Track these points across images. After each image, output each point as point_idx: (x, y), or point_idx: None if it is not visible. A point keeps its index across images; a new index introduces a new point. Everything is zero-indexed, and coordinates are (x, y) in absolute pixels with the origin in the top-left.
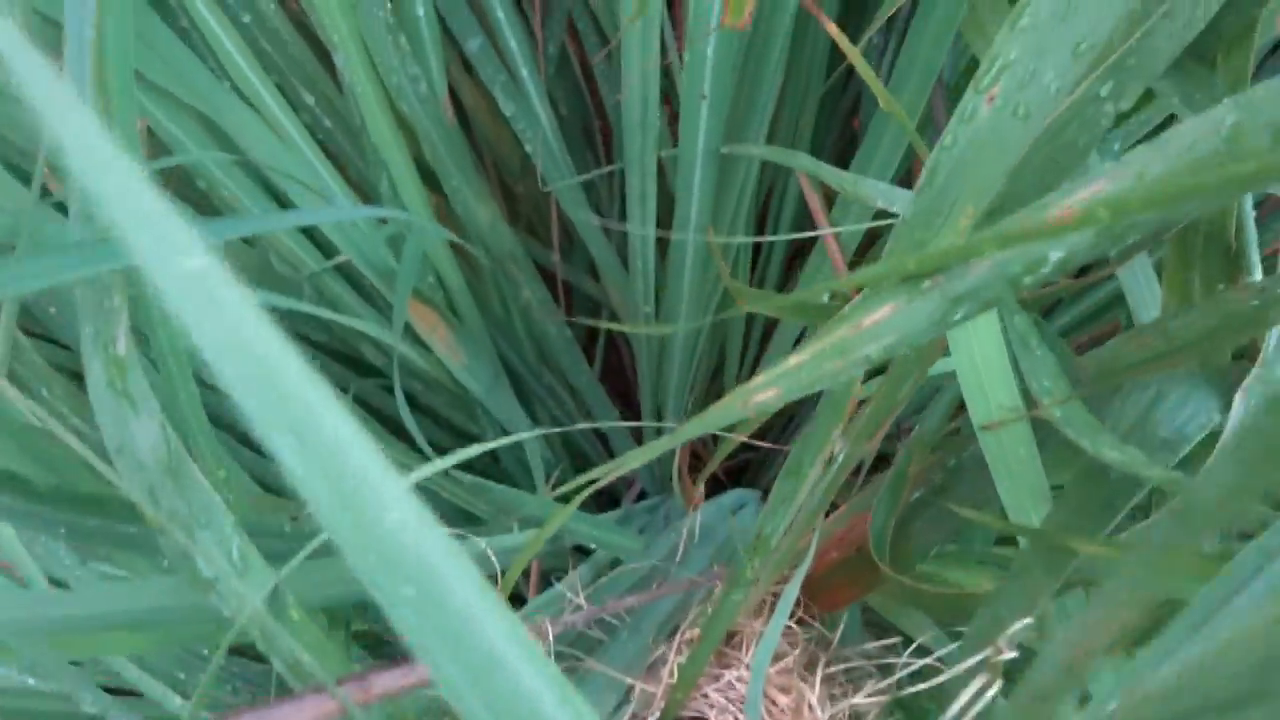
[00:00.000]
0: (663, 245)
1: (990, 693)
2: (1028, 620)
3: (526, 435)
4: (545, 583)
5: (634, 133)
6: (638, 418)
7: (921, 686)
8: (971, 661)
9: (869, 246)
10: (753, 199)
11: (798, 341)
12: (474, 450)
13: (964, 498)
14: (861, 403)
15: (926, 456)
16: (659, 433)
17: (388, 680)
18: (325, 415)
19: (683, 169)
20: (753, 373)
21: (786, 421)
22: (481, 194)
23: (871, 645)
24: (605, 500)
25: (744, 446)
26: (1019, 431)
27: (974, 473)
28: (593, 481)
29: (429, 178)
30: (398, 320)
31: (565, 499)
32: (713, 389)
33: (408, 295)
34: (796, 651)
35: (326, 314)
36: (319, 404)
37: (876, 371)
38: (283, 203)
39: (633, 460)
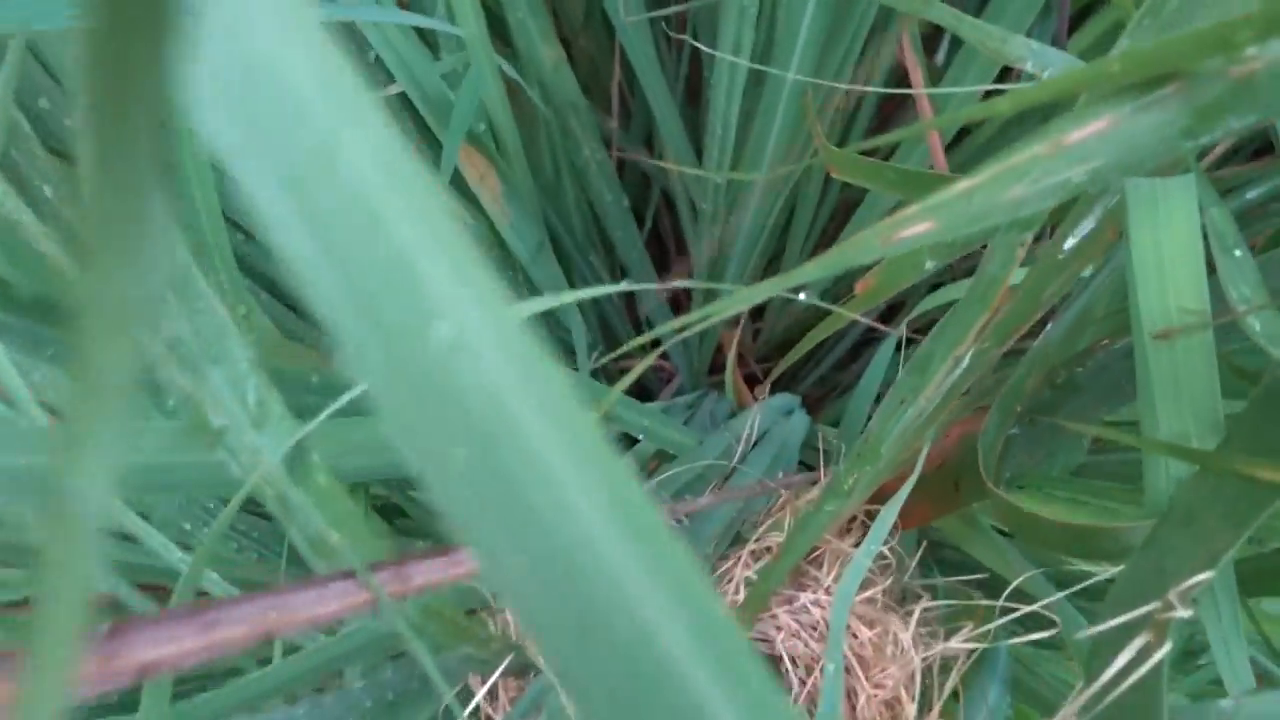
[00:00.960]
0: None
1: (1155, 658)
2: (1207, 574)
3: (571, 296)
4: None
5: None
6: (686, 303)
7: (1035, 636)
8: (1128, 616)
9: (958, 142)
10: (855, 61)
11: None
12: (529, 308)
13: (1072, 419)
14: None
15: (1044, 371)
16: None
17: (431, 570)
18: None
19: (792, 9)
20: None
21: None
22: (547, 32)
23: (956, 579)
24: (638, 395)
25: (780, 352)
26: (1198, 344)
27: (1088, 392)
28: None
29: (489, 19)
30: (448, 159)
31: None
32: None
33: (462, 133)
34: (887, 582)
35: None
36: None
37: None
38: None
39: (716, 310)
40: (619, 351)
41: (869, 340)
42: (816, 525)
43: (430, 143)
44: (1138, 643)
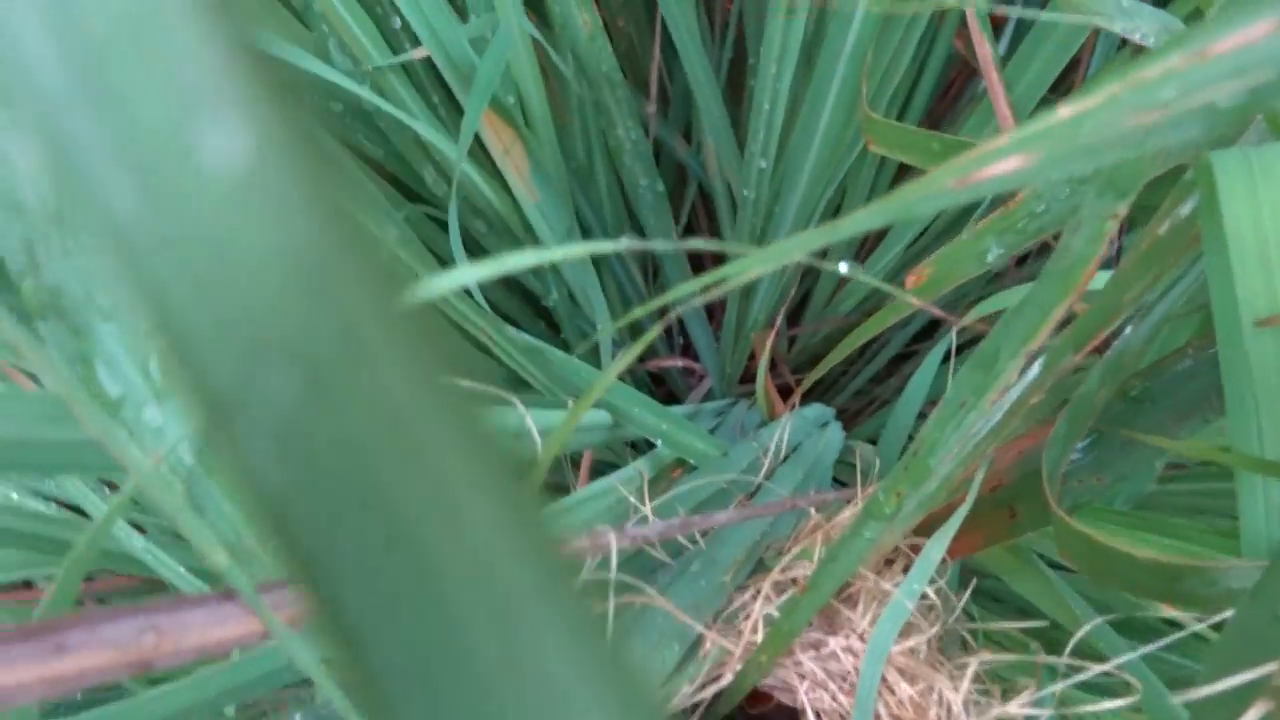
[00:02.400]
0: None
1: None
2: None
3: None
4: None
5: None
6: (720, 307)
7: (1115, 704)
8: (1240, 678)
9: None
10: (915, 48)
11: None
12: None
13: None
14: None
15: (1121, 381)
16: (738, 328)
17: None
18: None
19: None
20: (844, 281)
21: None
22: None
23: (1011, 624)
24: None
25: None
26: None
27: (1166, 405)
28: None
29: None
30: (469, 123)
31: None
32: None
33: (488, 95)
34: (935, 628)
35: (388, 108)
36: None
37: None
38: None
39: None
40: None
41: (910, 354)
42: (851, 555)
43: (455, 114)
44: (1255, 713)
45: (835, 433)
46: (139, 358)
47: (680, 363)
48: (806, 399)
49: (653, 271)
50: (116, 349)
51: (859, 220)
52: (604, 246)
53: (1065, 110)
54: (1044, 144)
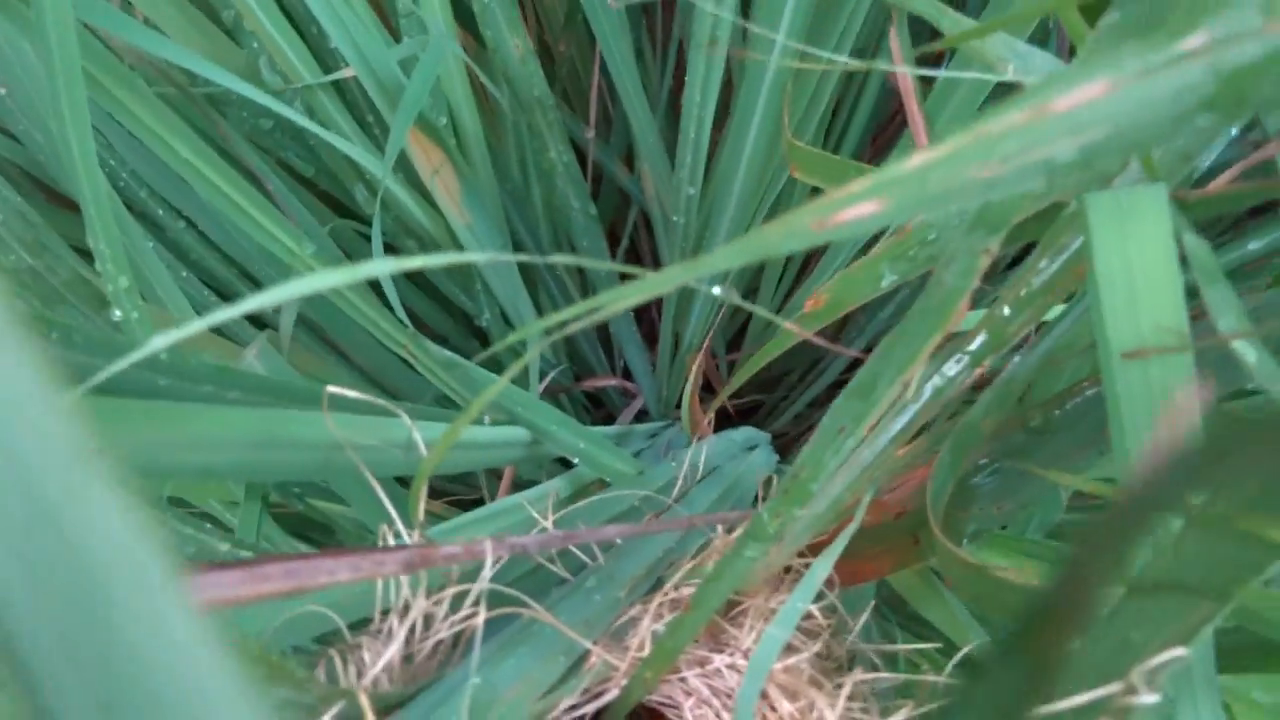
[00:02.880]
0: (718, 124)
1: None
2: (1179, 651)
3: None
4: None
5: None
6: (654, 333)
7: None
8: (1085, 698)
9: None
10: (838, 79)
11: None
12: (435, 260)
13: (1047, 467)
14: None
15: (1007, 411)
16: (676, 347)
17: (227, 583)
18: None
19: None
20: (787, 301)
21: (809, 367)
22: (514, 23)
23: (902, 647)
24: (601, 419)
25: (755, 386)
26: (1178, 366)
27: (1066, 437)
28: (561, 326)
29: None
30: (394, 141)
31: (559, 406)
32: (744, 313)
33: (413, 115)
34: (816, 646)
35: (312, 126)
36: None
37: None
38: (284, 6)
39: (627, 294)
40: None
41: (849, 379)
42: (734, 574)
43: (387, 134)
44: None
45: (764, 455)
46: None
47: (614, 383)
48: (745, 423)
49: (591, 289)
50: None
51: (721, 257)
52: (518, 257)
53: (915, 160)
54: (896, 191)
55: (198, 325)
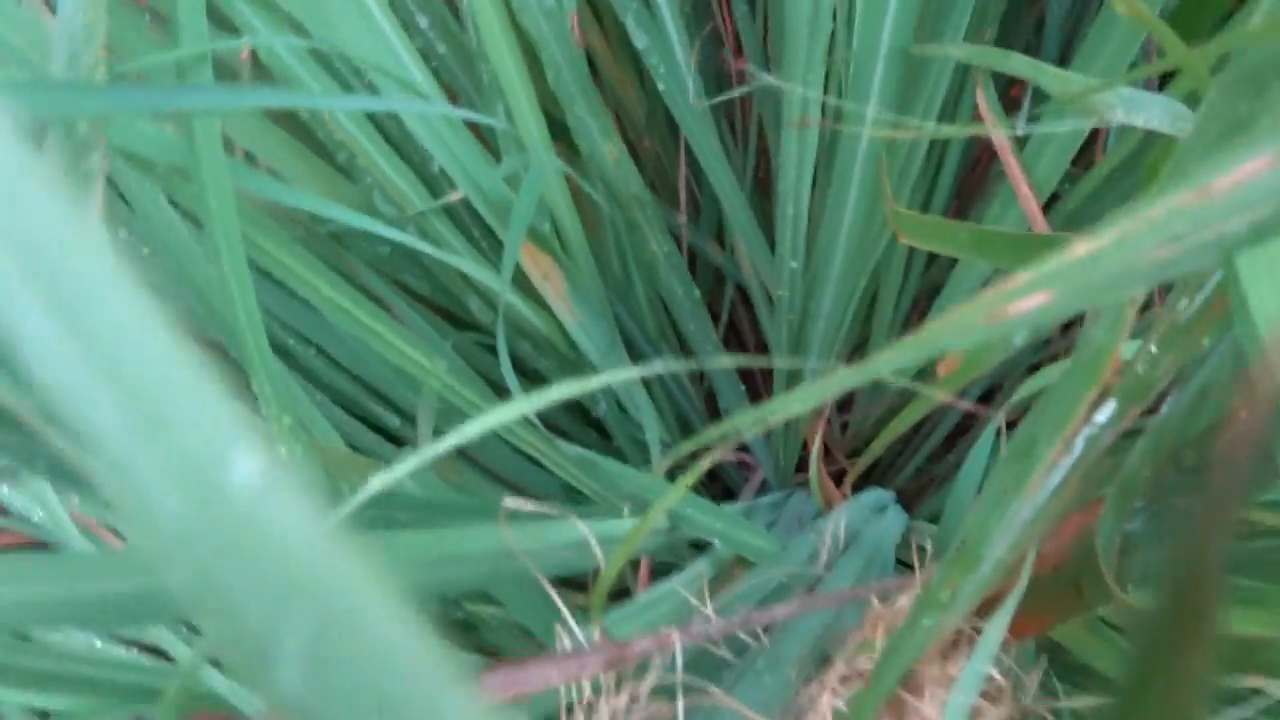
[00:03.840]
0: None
1: None
2: None
3: (634, 372)
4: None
5: (799, 31)
6: (759, 397)
7: None
8: None
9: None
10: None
11: None
12: (571, 389)
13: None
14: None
15: (1165, 451)
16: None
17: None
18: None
19: (859, 72)
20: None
21: (921, 420)
22: (607, 130)
23: (1088, 701)
24: (721, 495)
25: (865, 444)
26: None
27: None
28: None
29: (550, 123)
30: (509, 258)
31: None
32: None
33: (524, 229)
34: (1002, 709)
35: (429, 250)
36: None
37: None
38: (392, 141)
39: (787, 406)
40: (693, 444)
41: (965, 428)
42: (911, 645)
43: (495, 246)
44: None
45: (895, 516)
46: None
47: (733, 457)
48: (864, 484)
49: (700, 375)
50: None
51: (886, 360)
52: (637, 371)
53: (1080, 248)
54: (1065, 280)
55: (411, 464)
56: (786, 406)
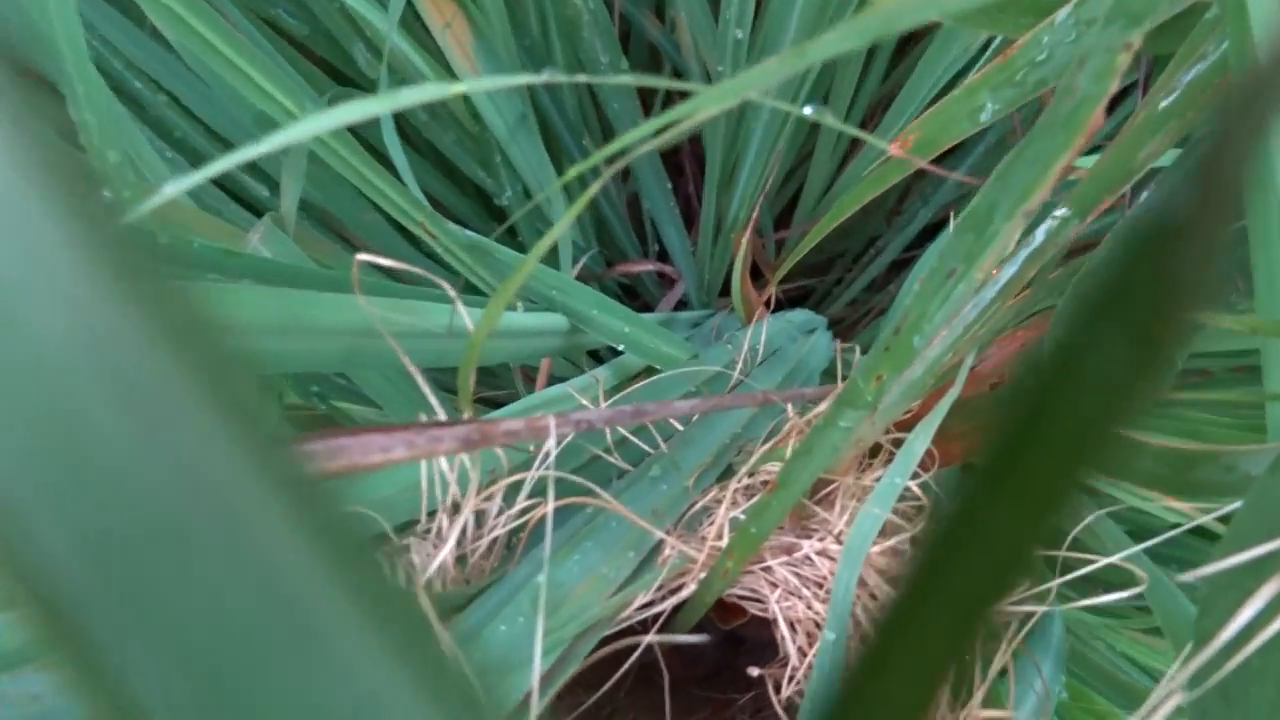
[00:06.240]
0: None
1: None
2: None
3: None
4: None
5: None
6: (691, 212)
7: (1113, 597)
8: (1252, 553)
9: None
10: None
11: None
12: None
13: None
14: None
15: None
16: (716, 228)
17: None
18: None
19: None
20: (839, 173)
21: (864, 248)
22: None
23: None
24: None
25: (804, 270)
26: None
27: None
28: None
29: None
30: None
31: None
32: (792, 186)
33: None
34: (915, 528)
35: None
36: None
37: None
38: None
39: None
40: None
41: (907, 260)
42: (827, 447)
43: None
44: (1270, 589)
45: (823, 339)
46: None
47: (652, 267)
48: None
49: (625, 174)
50: None
51: (831, 43)
52: (534, 78)
53: None
54: None
55: (196, 178)
56: (694, 109)
